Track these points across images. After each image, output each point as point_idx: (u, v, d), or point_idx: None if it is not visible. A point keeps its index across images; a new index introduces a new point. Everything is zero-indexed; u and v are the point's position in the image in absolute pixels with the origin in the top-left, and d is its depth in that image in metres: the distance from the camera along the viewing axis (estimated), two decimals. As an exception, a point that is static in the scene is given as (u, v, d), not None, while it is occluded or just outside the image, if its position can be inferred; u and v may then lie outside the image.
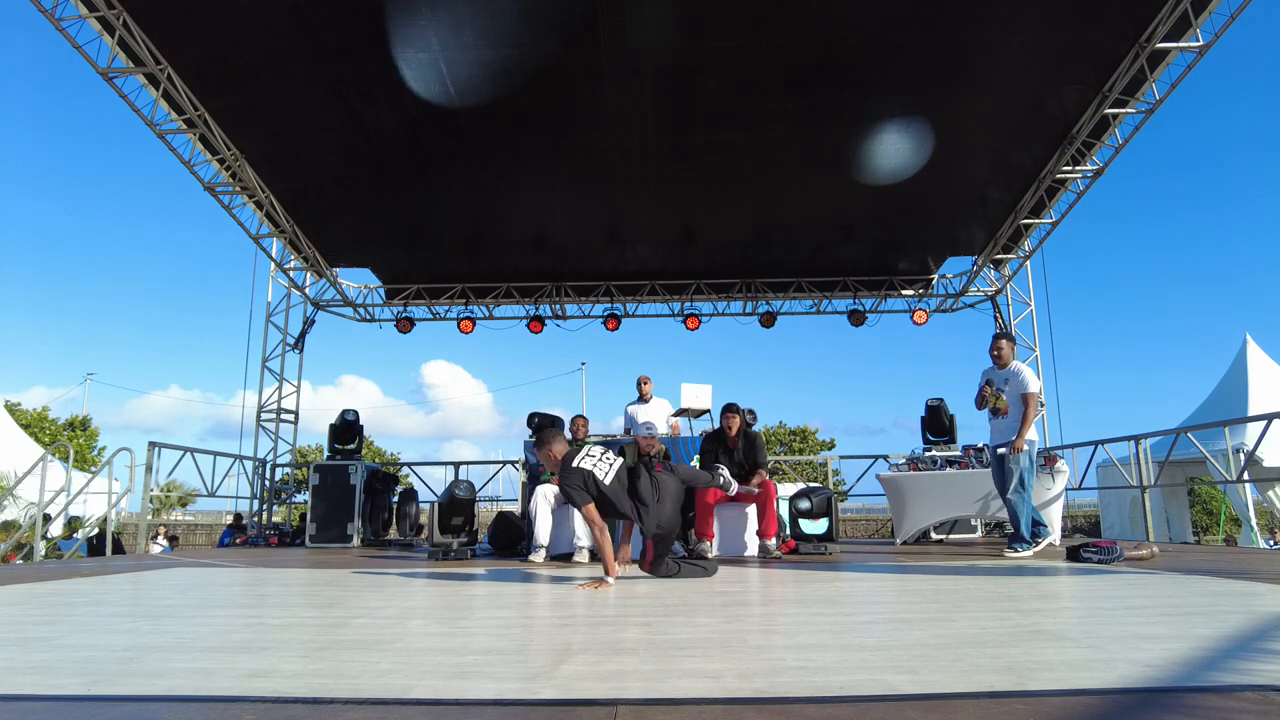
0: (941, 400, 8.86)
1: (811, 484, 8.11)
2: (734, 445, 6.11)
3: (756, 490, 5.93)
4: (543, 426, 7.74)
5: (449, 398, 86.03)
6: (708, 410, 7.30)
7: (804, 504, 6.30)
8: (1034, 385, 5.89)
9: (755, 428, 6.39)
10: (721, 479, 5.03)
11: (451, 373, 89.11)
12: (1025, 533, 5.76)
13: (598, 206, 10.21)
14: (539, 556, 5.84)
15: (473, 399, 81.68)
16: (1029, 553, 5.71)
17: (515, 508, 8.46)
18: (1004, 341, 6.14)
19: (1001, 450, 5.90)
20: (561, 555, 6.00)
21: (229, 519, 17.83)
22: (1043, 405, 11.27)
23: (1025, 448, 5.77)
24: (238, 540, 10.25)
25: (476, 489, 6.67)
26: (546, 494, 5.97)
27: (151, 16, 7.03)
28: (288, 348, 11.56)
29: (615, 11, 6.80)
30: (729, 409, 6.15)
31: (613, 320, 11.90)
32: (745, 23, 7.00)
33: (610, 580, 3.88)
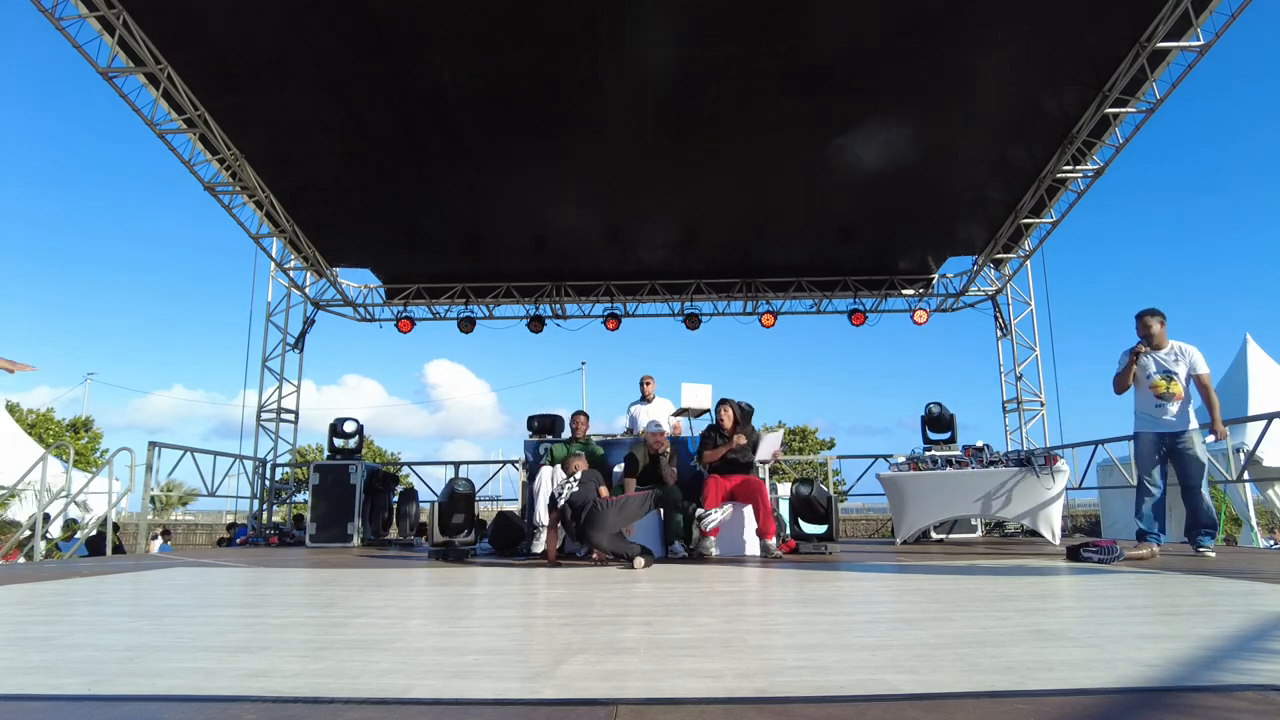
0: (941, 405, 8.86)
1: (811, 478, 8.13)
2: (732, 438, 6.17)
3: (776, 449, 6.19)
4: (543, 429, 7.77)
5: (452, 397, 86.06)
6: (708, 410, 7.30)
7: (805, 489, 6.35)
8: (1205, 365, 5.34)
9: (751, 416, 6.44)
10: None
11: (455, 372, 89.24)
12: (1217, 522, 5.34)
13: (598, 207, 10.21)
14: (540, 545, 5.89)
15: (476, 399, 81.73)
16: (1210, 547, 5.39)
17: (515, 508, 8.46)
18: (1153, 319, 5.41)
19: (1184, 443, 5.35)
20: (562, 554, 6.01)
21: (228, 519, 17.83)
22: (1043, 405, 11.27)
23: (1225, 432, 5.31)
24: (238, 541, 10.26)
25: (476, 486, 6.69)
26: (550, 475, 6.06)
27: (151, 16, 7.03)
28: (288, 347, 11.56)
29: (615, 18, 6.80)
30: (723, 403, 6.27)
31: (613, 320, 11.90)
32: (746, 30, 7.00)
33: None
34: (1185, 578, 4.07)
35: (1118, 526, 11.33)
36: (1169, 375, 5.37)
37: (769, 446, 6.10)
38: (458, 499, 6.31)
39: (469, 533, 6.42)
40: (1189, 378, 5.37)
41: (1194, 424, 5.36)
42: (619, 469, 6.64)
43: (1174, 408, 5.37)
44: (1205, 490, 5.37)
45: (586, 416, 6.88)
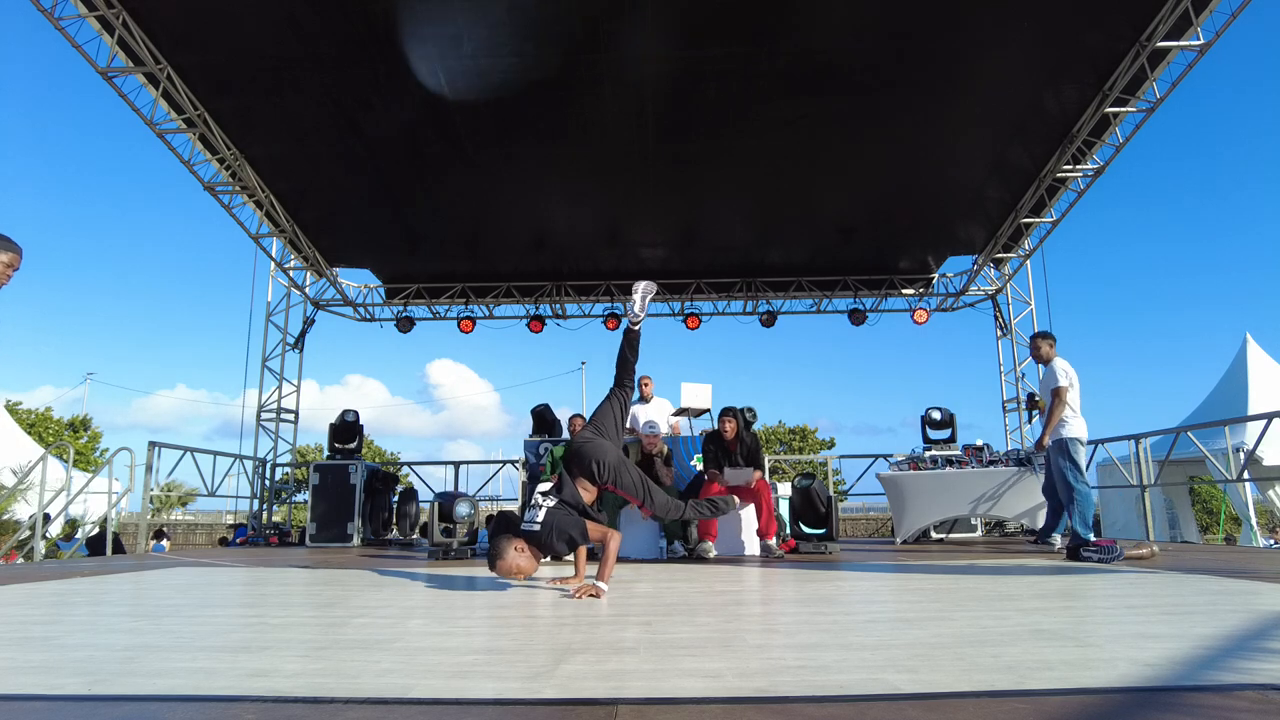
0: (941, 410, 8.88)
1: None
2: (733, 448, 6.13)
3: (751, 485, 5.96)
4: (546, 424, 7.76)
5: (455, 397, 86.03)
6: (708, 410, 7.30)
7: (806, 481, 6.40)
8: (1060, 379, 5.83)
9: (755, 425, 6.43)
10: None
11: (457, 372, 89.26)
12: (1083, 532, 5.62)
13: (598, 209, 10.20)
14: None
15: (479, 398, 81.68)
16: (1055, 549, 5.84)
17: (515, 507, 8.46)
18: (1038, 340, 6.17)
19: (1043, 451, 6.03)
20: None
21: (229, 519, 17.82)
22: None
23: (1048, 443, 5.81)
24: (238, 541, 10.27)
25: (476, 499, 6.70)
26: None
27: (151, 16, 7.02)
28: (288, 347, 11.56)
29: (615, 21, 6.79)
30: (726, 413, 6.18)
31: (613, 320, 11.89)
32: (746, 32, 7.00)
33: (603, 586, 3.53)
34: (1185, 577, 4.07)
35: (1117, 526, 11.33)
36: (1038, 392, 6.15)
37: (746, 475, 5.99)
38: (460, 523, 6.33)
39: (467, 535, 6.43)
40: (1050, 391, 5.89)
41: (1059, 434, 5.81)
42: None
43: (1040, 420, 6.06)
44: (1070, 501, 5.74)
45: (584, 419, 6.89)
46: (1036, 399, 6.11)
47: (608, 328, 11.90)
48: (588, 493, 3.90)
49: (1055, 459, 5.82)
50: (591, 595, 3.44)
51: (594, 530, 3.70)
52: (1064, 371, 5.87)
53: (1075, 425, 5.81)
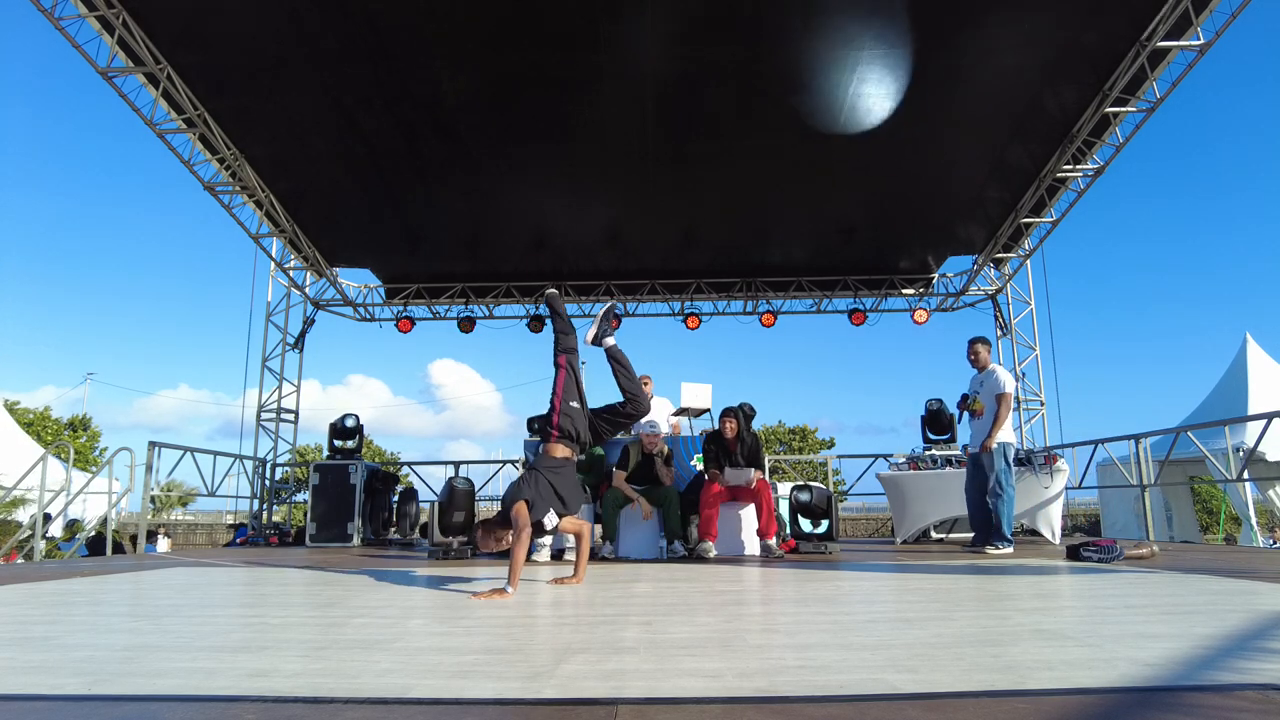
0: (941, 402, 8.87)
1: (810, 482, 8.14)
2: (733, 448, 6.13)
3: (752, 485, 5.95)
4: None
5: (457, 397, 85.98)
6: (708, 409, 7.31)
7: (804, 495, 6.35)
8: (1008, 386, 6.10)
9: (754, 420, 6.42)
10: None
11: (459, 372, 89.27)
12: (1007, 531, 5.97)
13: (598, 209, 10.20)
14: (543, 555, 5.85)
15: (481, 398, 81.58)
16: (1008, 550, 5.92)
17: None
18: (979, 345, 6.42)
19: (979, 455, 6.20)
20: (561, 552, 6.04)
21: (229, 519, 17.79)
22: (1043, 404, 11.28)
23: (994, 446, 6.02)
24: (238, 541, 10.27)
25: (475, 484, 6.68)
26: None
27: (151, 16, 7.02)
28: (288, 347, 11.56)
29: (615, 20, 6.79)
30: (726, 413, 6.18)
31: (614, 320, 11.88)
32: (746, 32, 7.00)
33: (510, 590, 3.46)
34: (1185, 577, 4.07)
35: (1118, 526, 11.33)
36: (974, 395, 6.30)
37: (746, 475, 6.00)
38: (458, 496, 6.30)
39: (467, 534, 6.42)
40: (995, 397, 6.12)
41: (994, 439, 6.06)
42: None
43: (976, 424, 6.28)
44: (999, 499, 6.01)
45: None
46: (970, 401, 6.30)
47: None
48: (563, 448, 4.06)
49: (991, 462, 6.05)
50: (493, 596, 3.39)
51: (518, 513, 3.65)
52: (1009, 378, 6.18)
53: (1010, 432, 6.18)
